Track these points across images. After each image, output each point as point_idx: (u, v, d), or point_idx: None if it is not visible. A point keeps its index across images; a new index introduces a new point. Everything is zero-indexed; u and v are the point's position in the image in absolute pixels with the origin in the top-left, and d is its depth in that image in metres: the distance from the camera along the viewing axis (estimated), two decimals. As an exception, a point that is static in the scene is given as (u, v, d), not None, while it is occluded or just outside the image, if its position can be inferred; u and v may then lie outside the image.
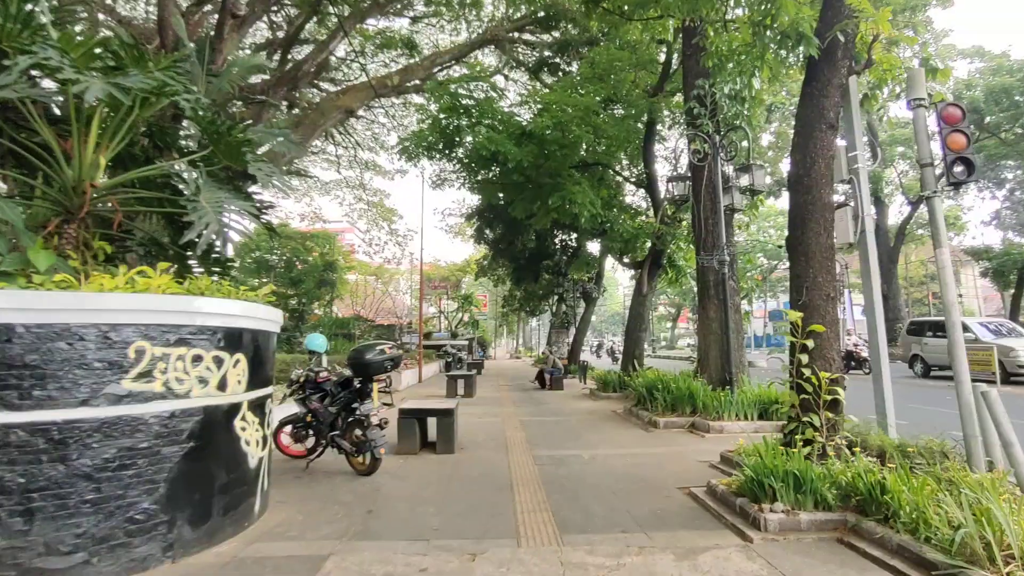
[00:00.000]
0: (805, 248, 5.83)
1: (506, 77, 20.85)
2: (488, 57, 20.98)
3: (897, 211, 32.84)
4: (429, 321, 53.00)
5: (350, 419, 5.92)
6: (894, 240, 29.57)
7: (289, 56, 24.33)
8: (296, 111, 27.64)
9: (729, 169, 9.60)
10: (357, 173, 37.70)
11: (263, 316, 4.64)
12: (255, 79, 25.98)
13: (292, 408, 6.76)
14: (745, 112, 9.00)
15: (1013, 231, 43.09)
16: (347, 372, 6.29)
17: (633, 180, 15.25)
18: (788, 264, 6.19)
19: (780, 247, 35.81)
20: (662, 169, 16.55)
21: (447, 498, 5.13)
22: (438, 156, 13.71)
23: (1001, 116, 23.25)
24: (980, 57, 25.16)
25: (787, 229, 6.15)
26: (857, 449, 5.23)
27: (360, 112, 33.22)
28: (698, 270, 10.52)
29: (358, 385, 5.98)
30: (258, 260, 40.17)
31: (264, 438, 4.60)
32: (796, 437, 5.26)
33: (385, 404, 5.97)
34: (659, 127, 14.91)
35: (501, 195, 16.98)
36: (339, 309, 50.76)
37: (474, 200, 24.47)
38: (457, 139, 12.33)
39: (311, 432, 6.33)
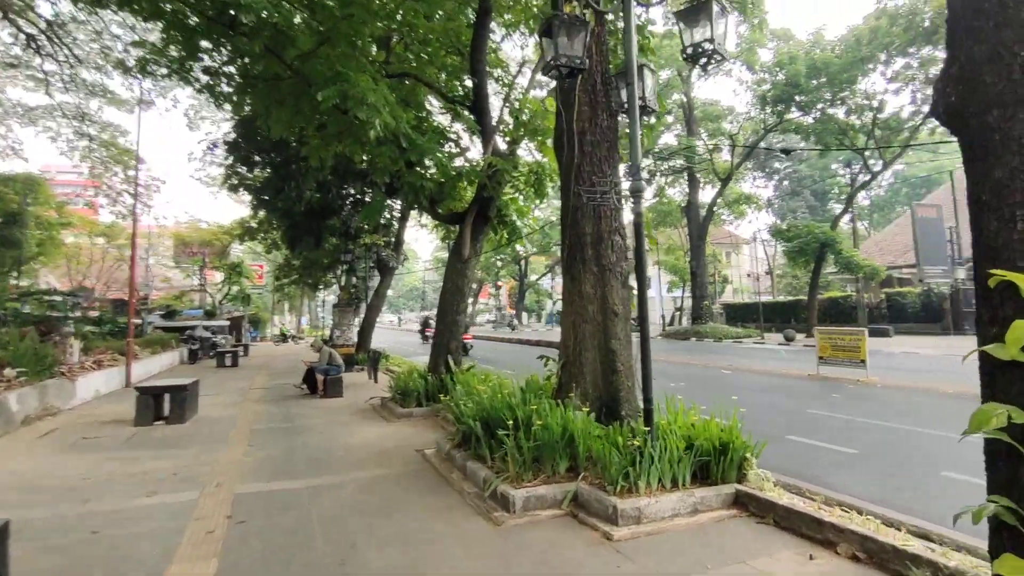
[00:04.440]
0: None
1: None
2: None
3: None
4: (185, 295, 42.56)
5: None
6: (704, 217, 29.68)
7: None
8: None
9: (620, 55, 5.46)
10: (79, 99, 27.55)
11: None
12: None
13: None
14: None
15: (779, 218, 48.52)
16: None
17: (457, 98, 10.55)
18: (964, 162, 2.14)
19: None
20: (495, 92, 12.13)
21: None
22: (113, 3, 7.52)
23: (818, 91, 23.49)
24: (786, 40, 25.48)
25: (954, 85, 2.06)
26: None
27: (82, 16, 23.64)
28: (565, 218, 6.33)
29: None
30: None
31: None
32: None
33: None
34: (495, 24, 10.48)
35: (252, 109, 11.07)
36: (56, 280, 38.59)
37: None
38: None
39: None
